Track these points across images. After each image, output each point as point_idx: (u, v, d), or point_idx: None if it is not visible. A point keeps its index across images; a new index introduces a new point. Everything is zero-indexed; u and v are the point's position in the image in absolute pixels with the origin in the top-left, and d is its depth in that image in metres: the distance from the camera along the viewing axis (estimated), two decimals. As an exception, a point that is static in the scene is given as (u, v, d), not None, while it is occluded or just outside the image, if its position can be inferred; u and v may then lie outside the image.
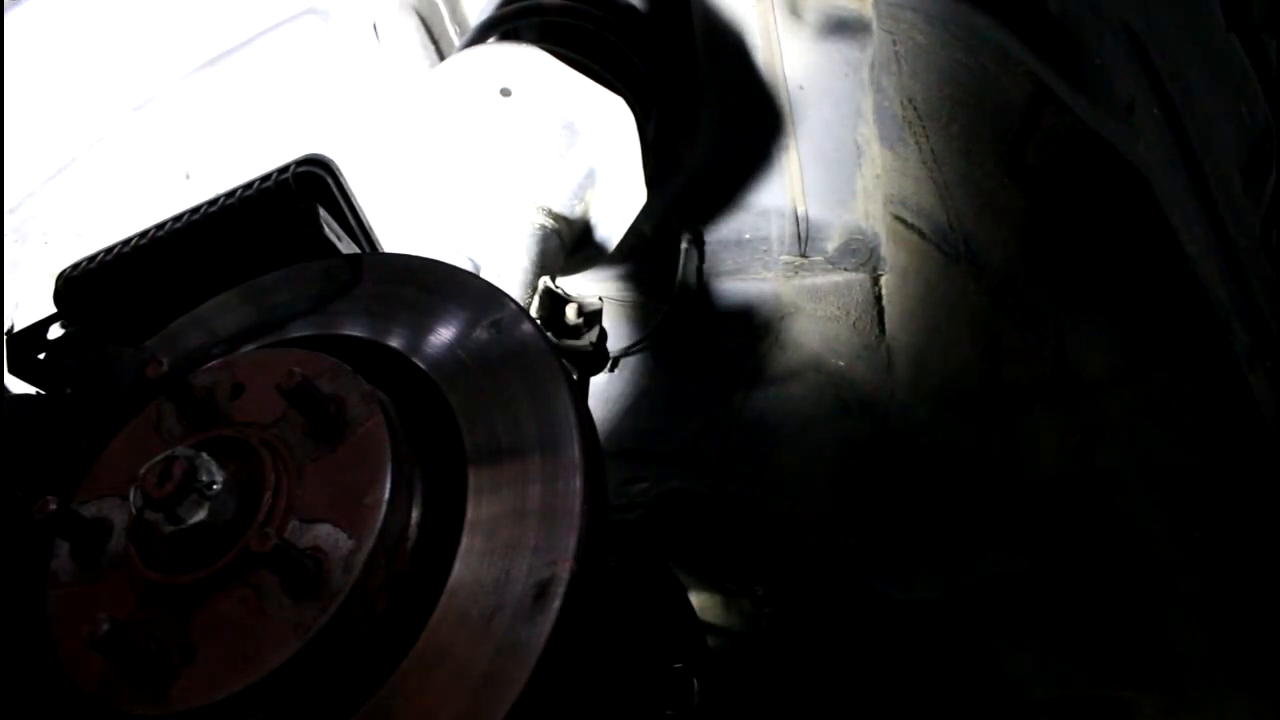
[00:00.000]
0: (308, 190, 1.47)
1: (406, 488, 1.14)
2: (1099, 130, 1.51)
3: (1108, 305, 1.85)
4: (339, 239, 1.48)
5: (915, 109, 2.10)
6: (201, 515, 1.08)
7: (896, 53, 2.06)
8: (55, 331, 1.51)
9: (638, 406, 2.73)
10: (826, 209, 2.54)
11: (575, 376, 1.47)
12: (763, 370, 2.65)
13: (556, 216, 2.13)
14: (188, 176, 2.43)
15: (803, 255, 2.62)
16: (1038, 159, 1.84)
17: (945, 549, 2.30)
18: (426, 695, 1.05)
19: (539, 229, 2.10)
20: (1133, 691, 1.97)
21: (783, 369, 2.64)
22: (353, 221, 1.53)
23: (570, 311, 1.58)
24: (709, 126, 2.48)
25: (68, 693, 1.10)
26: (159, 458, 1.09)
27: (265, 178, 1.49)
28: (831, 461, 2.53)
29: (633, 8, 2.37)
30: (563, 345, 1.51)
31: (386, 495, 1.10)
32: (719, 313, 2.71)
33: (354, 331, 1.34)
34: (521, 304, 1.36)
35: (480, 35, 2.22)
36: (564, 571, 1.08)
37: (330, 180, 1.48)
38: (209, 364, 1.29)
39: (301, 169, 1.48)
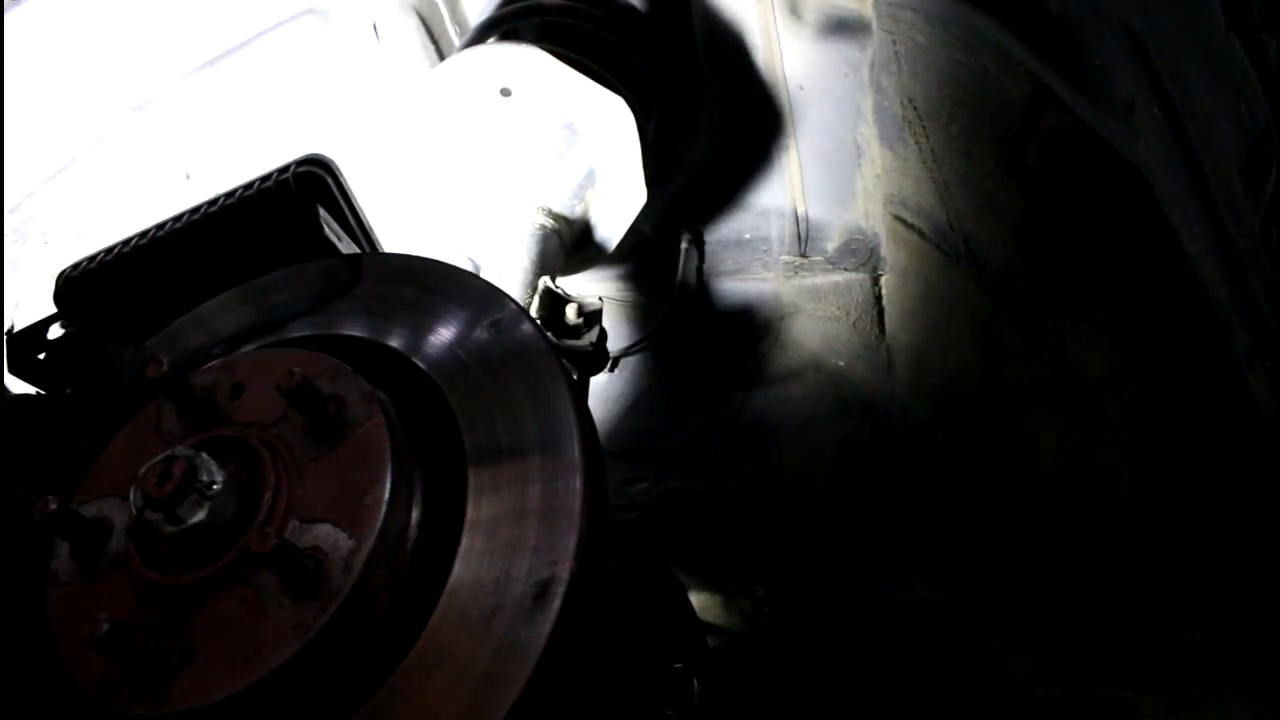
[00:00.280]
0: (308, 190, 1.47)
1: (406, 488, 1.14)
2: (1099, 130, 1.51)
3: (1108, 305, 1.85)
4: (339, 239, 1.48)
5: (915, 109, 2.10)
6: (201, 515, 1.08)
7: (896, 53, 2.06)
8: (55, 331, 1.51)
9: (638, 406, 2.73)
10: (826, 209, 2.54)
11: (575, 376, 1.47)
12: (763, 370, 2.65)
13: (556, 216, 2.13)
14: (188, 176, 2.43)
15: (803, 255, 2.62)
16: (1038, 159, 1.84)
17: (945, 549, 2.30)
18: (426, 695, 1.05)
19: (539, 229, 2.10)
20: (1133, 691, 1.97)
21: (783, 369, 2.64)
22: (353, 221, 1.53)
23: (570, 311, 1.58)
24: (709, 126, 2.48)
25: (68, 693, 1.10)
26: (159, 458, 1.09)
27: (265, 178, 1.49)
28: (831, 461, 2.53)
29: (633, 8, 2.37)
30: (563, 345, 1.51)
31: (386, 495, 1.10)
32: (719, 313, 2.71)
33: (354, 331, 1.34)
34: (521, 304, 1.36)
35: (480, 35, 2.22)
36: (564, 571, 1.08)
37: (330, 180, 1.48)
38: (209, 364, 1.29)
39: (301, 169, 1.48)
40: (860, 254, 2.55)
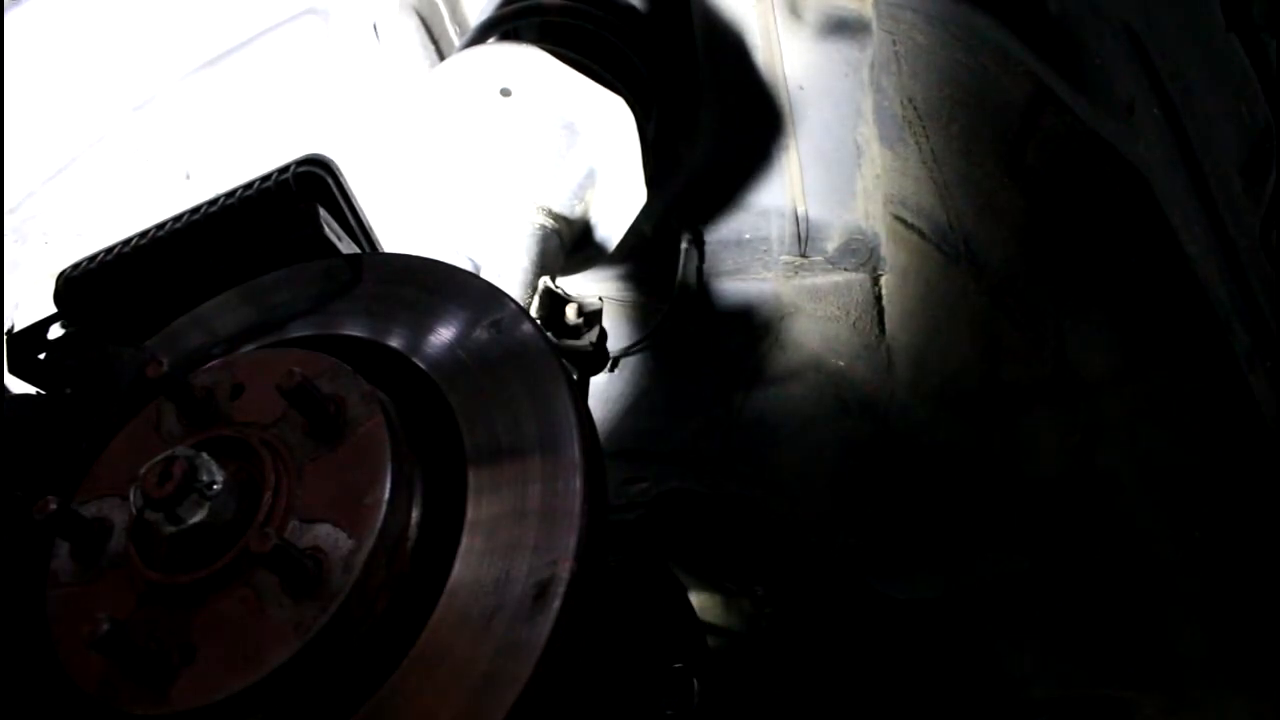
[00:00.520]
0: (308, 190, 1.47)
1: (406, 488, 1.14)
2: (1099, 130, 1.51)
3: (1108, 305, 1.85)
4: (339, 239, 1.48)
5: (915, 109, 2.10)
6: (201, 515, 1.08)
7: (896, 53, 2.06)
8: (55, 331, 1.51)
9: (638, 406, 2.73)
10: (826, 209, 2.54)
11: (575, 376, 1.47)
12: (763, 370, 2.65)
13: (556, 216, 2.13)
14: (188, 176, 2.43)
15: (803, 255, 2.62)
16: (1038, 159, 1.84)
17: (945, 549, 2.30)
18: (426, 695, 1.05)
19: (539, 229, 2.10)
20: (1133, 691, 1.97)
21: (783, 369, 2.64)
22: (353, 221, 1.53)
23: (570, 311, 1.58)
24: (709, 126, 2.48)
25: (68, 693, 1.10)
26: (159, 458, 1.09)
27: (265, 178, 1.49)
28: (831, 461, 2.53)
29: (633, 8, 2.37)
30: (563, 345, 1.51)
31: (386, 495, 1.10)
32: (719, 313, 2.71)
33: (354, 331, 1.34)
34: (521, 304, 1.36)
35: (480, 35, 2.22)
36: (564, 571, 1.08)
37: (330, 180, 1.48)
38: (209, 364, 1.29)
39: (301, 169, 1.48)
40: (860, 254, 2.55)
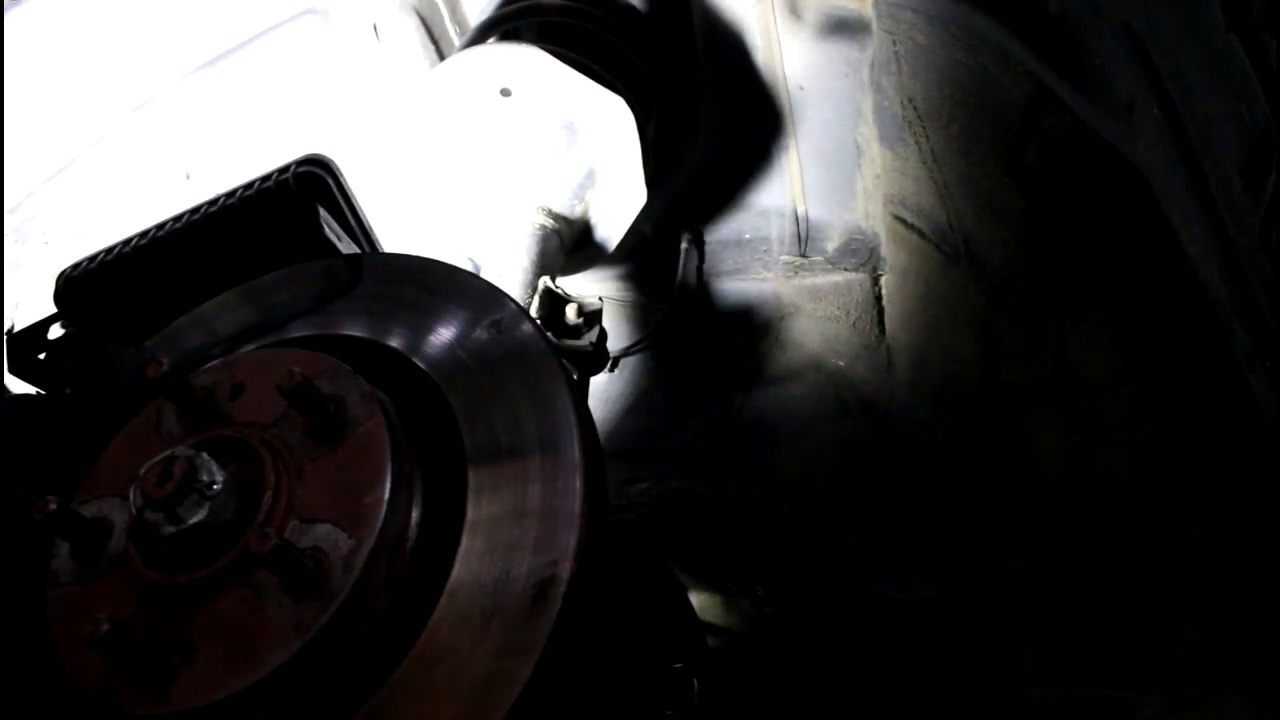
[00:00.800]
0: (308, 190, 1.47)
1: (406, 488, 1.14)
2: (1099, 130, 1.51)
3: (1108, 305, 1.85)
4: (339, 239, 1.48)
5: (915, 109, 2.10)
6: (201, 515, 1.08)
7: (896, 53, 2.06)
8: (55, 331, 1.51)
9: (638, 406, 2.73)
10: (826, 209, 2.54)
11: (575, 376, 1.47)
12: (763, 370, 2.65)
13: (556, 216, 2.13)
14: (188, 176, 2.43)
15: (803, 255, 2.62)
16: (1038, 159, 1.84)
17: (945, 549, 2.30)
18: (427, 695, 1.05)
19: (539, 229, 2.10)
20: (1133, 691, 1.97)
21: (783, 369, 2.64)
22: (353, 221, 1.53)
23: (570, 311, 1.58)
24: (709, 126, 2.48)
25: (68, 693, 1.10)
26: (159, 458, 1.09)
27: (265, 178, 1.49)
28: (831, 461, 2.53)
29: (633, 8, 2.37)
30: (563, 345, 1.51)
31: (386, 495, 1.10)
32: (719, 313, 2.71)
33: (354, 331, 1.34)
34: (521, 304, 1.36)
35: (480, 35, 2.22)
36: (564, 571, 1.08)
37: (330, 180, 1.48)
38: (209, 364, 1.29)
39: (301, 169, 1.48)
40: (860, 254, 2.55)
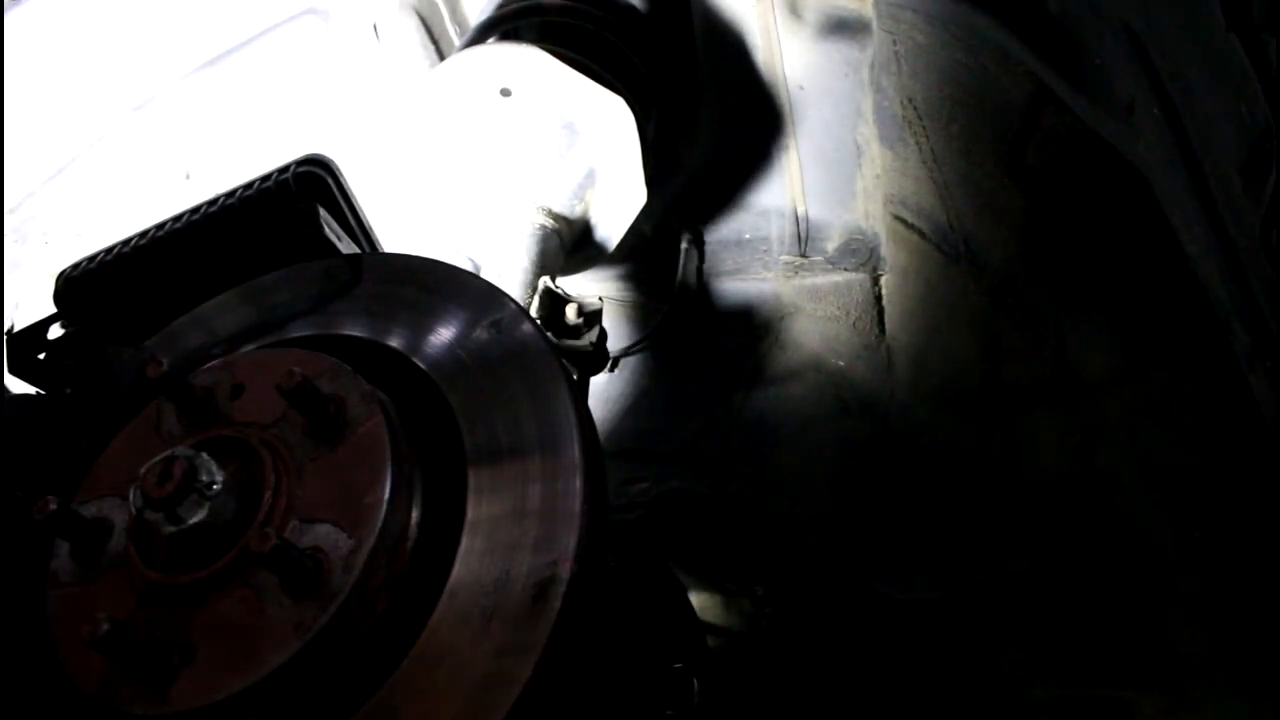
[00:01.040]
0: (308, 190, 1.47)
1: (406, 488, 1.14)
2: (1099, 130, 1.51)
3: (1108, 305, 1.85)
4: (339, 239, 1.48)
5: (915, 109, 2.10)
6: (201, 515, 1.08)
7: (896, 53, 2.06)
8: (55, 331, 1.51)
9: (638, 406, 2.73)
10: (826, 209, 2.54)
11: (575, 376, 1.47)
12: (763, 370, 2.65)
13: (556, 216, 2.13)
14: (188, 176, 2.43)
15: (803, 255, 2.62)
16: (1038, 159, 1.84)
17: (945, 549, 2.30)
18: (427, 695, 1.05)
19: (539, 229, 2.10)
20: (1133, 691, 1.97)
21: (783, 369, 2.64)
22: (353, 221, 1.53)
23: (570, 311, 1.58)
24: (709, 126, 2.48)
25: (68, 693, 1.10)
26: (159, 458, 1.09)
27: (265, 178, 1.49)
28: (831, 461, 2.53)
29: (633, 8, 2.37)
30: (563, 345, 1.51)
31: (386, 495, 1.10)
32: (719, 313, 2.71)
33: (354, 331, 1.34)
34: (521, 304, 1.36)
35: (480, 35, 2.22)
36: (564, 571, 1.08)
37: (330, 180, 1.48)
38: (209, 364, 1.29)
39: (301, 169, 1.47)
40: (860, 254, 2.55)
